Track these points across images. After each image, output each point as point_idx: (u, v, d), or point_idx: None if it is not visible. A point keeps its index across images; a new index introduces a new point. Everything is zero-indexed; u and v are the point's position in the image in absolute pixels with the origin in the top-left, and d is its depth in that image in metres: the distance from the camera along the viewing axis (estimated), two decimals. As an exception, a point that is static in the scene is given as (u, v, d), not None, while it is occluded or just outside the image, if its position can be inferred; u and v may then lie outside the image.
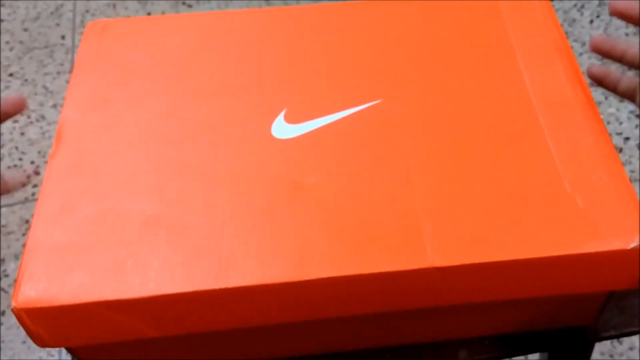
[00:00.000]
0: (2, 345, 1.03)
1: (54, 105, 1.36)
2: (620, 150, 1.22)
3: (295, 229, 0.37)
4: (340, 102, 0.43)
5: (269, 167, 0.40)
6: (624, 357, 1.01)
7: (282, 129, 0.41)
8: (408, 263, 0.35)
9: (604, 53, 0.44)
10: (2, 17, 1.54)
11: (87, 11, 1.54)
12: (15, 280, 0.36)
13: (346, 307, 0.37)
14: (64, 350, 1.00)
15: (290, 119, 0.42)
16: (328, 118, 0.42)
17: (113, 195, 0.39)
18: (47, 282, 0.35)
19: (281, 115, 0.42)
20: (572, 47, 0.46)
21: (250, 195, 0.38)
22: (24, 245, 0.36)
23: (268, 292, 0.35)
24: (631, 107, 1.31)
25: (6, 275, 1.11)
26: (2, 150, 1.30)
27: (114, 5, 1.55)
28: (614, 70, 0.44)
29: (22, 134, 1.32)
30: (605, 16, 1.46)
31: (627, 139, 1.25)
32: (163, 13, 1.52)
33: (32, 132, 1.32)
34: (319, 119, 0.41)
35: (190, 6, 1.54)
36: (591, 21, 1.46)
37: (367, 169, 0.39)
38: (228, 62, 0.46)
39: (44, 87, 1.40)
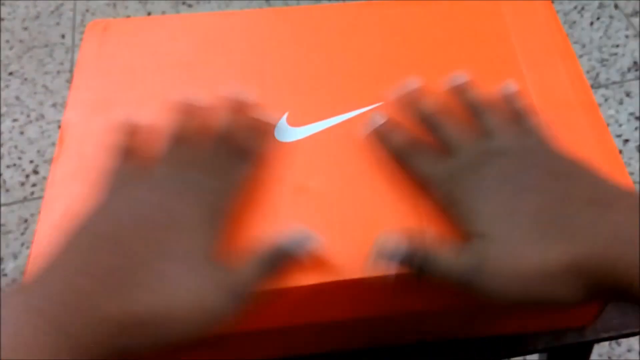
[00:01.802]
0: (1, 344, 1.03)
1: (54, 105, 1.36)
2: (620, 152, 1.22)
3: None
4: (343, 105, 0.43)
5: (272, 170, 0.39)
6: (622, 359, 1.01)
7: (285, 131, 0.41)
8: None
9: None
10: (2, 16, 1.54)
11: (87, 10, 1.54)
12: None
13: (347, 310, 0.37)
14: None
15: (293, 121, 0.42)
16: (331, 121, 0.42)
17: (115, 197, 0.39)
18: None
19: (284, 118, 0.42)
20: (572, 50, 0.46)
21: (252, 198, 0.38)
22: (22, 245, 0.36)
23: (269, 295, 0.35)
24: (631, 109, 1.31)
25: (5, 275, 1.11)
26: (1, 149, 1.30)
27: (114, 5, 1.55)
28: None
29: (22, 133, 1.32)
30: (605, 18, 1.47)
31: (626, 141, 1.26)
32: (163, 13, 1.52)
33: (32, 131, 1.32)
34: (322, 122, 0.41)
35: (190, 6, 1.54)
36: (591, 23, 1.46)
37: (370, 172, 0.39)
38: (229, 63, 0.46)
39: (44, 86, 1.40)
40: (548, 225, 0.32)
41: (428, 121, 0.40)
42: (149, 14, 1.53)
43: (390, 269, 0.34)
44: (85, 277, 0.30)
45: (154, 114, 0.43)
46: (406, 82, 0.41)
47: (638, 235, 0.30)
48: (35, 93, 1.39)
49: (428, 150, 0.38)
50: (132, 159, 0.39)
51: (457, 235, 0.35)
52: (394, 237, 0.34)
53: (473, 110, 0.40)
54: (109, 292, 0.30)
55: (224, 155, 0.38)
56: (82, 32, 0.47)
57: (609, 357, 1.02)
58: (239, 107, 0.41)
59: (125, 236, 0.32)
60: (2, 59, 1.45)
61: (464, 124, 0.39)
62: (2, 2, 1.56)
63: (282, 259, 0.34)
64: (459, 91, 0.42)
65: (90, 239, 0.32)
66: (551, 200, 0.33)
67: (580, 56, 1.39)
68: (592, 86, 1.33)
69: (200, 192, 0.35)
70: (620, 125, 1.28)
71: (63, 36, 1.49)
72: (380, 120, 0.40)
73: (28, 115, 1.35)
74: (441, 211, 0.36)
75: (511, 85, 0.42)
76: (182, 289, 0.31)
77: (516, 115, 0.40)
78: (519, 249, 0.31)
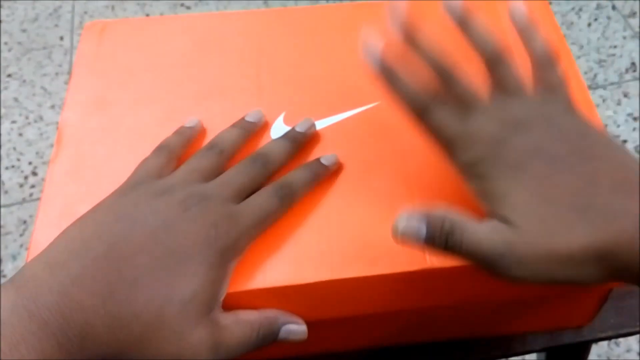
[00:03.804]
0: None
1: (52, 106, 1.37)
2: (618, 152, 1.22)
3: (295, 232, 0.37)
4: (339, 105, 0.43)
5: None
6: (620, 359, 1.02)
7: (281, 132, 0.41)
8: (407, 265, 0.35)
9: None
10: (0, 18, 1.54)
11: (86, 12, 1.55)
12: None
13: (346, 309, 0.37)
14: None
15: (290, 121, 0.42)
16: (327, 120, 0.42)
17: (113, 197, 0.39)
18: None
19: (280, 118, 0.42)
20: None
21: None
22: (21, 246, 0.36)
23: (268, 295, 0.35)
24: (629, 109, 1.31)
25: (4, 276, 1.11)
26: (0, 151, 1.30)
27: (113, 7, 1.56)
28: None
29: (21, 134, 1.33)
30: (603, 19, 1.47)
31: (624, 142, 1.26)
32: (161, 14, 1.53)
33: (30, 132, 1.33)
34: (318, 122, 0.42)
35: (188, 7, 1.55)
36: (589, 24, 1.46)
37: (366, 172, 0.39)
38: (227, 64, 0.46)
39: (42, 88, 1.40)
40: (576, 212, 0.31)
41: (437, 67, 0.36)
42: (147, 15, 1.53)
43: (414, 245, 0.32)
44: (81, 289, 0.30)
45: (151, 114, 0.43)
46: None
47: None
48: (33, 95, 1.39)
49: (447, 104, 0.35)
50: (168, 162, 0.38)
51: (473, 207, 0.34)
52: (414, 215, 0.32)
53: (486, 55, 0.37)
54: (103, 311, 0.30)
55: (263, 189, 0.37)
56: (80, 34, 0.47)
57: (608, 357, 1.02)
58: (301, 141, 0.40)
59: (128, 249, 0.32)
60: (0, 60, 1.45)
61: (477, 69, 0.36)
62: (0, 4, 1.57)
63: (275, 339, 0.35)
64: (463, 24, 0.38)
65: (91, 242, 0.32)
66: (581, 186, 0.31)
67: (578, 57, 1.40)
68: (590, 87, 1.33)
69: (219, 225, 0.34)
70: (618, 126, 1.28)
71: (61, 38, 1.49)
72: (375, 47, 0.36)
73: (27, 117, 1.35)
74: (460, 178, 0.34)
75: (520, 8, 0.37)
76: (174, 338, 0.31)
77: (541, 65, 0.37)
78: (547, 239, 0.30)
